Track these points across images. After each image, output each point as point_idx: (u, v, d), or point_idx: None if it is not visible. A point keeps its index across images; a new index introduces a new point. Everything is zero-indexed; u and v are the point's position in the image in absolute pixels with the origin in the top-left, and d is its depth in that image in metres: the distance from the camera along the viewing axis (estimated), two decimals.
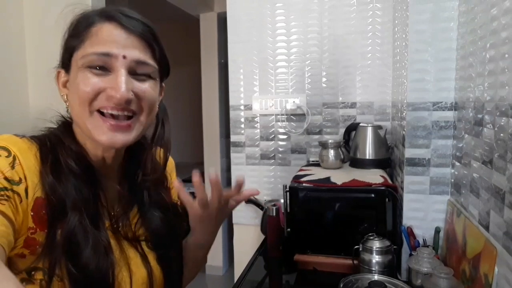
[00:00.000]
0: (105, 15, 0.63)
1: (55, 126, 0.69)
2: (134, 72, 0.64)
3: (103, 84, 0.61)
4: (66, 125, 0.70)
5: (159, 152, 0.79)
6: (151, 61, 0.65)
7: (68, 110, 0.68)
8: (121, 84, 0.61)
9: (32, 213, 0.58)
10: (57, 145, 0.65)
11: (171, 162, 0.85)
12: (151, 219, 0.75)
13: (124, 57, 0.62)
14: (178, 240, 0.81)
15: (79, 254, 0.60)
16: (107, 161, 0.70)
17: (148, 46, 0.65)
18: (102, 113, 0.63)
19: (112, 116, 0.63)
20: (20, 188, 0.57)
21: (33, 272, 0.59)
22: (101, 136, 0.63)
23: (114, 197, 0.72)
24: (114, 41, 0.61)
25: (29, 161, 0.60)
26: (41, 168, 0.61)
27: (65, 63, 0.66)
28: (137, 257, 0.71)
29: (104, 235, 0.66)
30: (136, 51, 0.63)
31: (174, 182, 0.72)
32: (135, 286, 0.68)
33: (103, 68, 0.61)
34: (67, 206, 0.61)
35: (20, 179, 0.57)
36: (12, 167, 0.57)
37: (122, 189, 0.73)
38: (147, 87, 0.65)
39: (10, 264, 0.58)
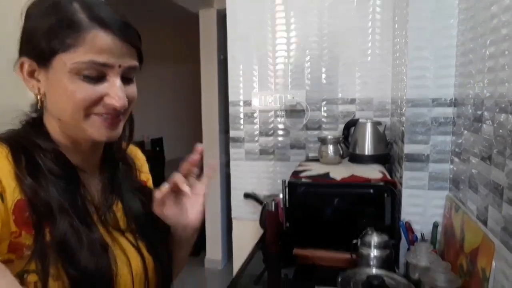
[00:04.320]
0: (99, 21, 0.60)
1: (18, 127, 0.67)
2: (123, 76, 0.65)
3: (99, 93, 0.62)
4: (34, 124, 0.67)
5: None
6: (136, 63, 0.67)
7: (40, 103, 0.65)
8: (120, 94, 0.63)
9: (13, 217, 0.56)
10: (29, 147, 0.63)
11: (142, 157, 0.87)
12: (133, 207, 0.75)
13: (120, 66, 0.62)
14: (159, 225, 0.79)
15: (76, 257, 0.60)
16: (88, 155, 0.71)
17: (136, 50, 0.66)
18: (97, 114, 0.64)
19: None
20: None
21: (25, 276, 0.57)
22: (100, 135, 0.65)
23: (96, 190, 0.72)
24: (111, 51, 0.61)
25: (1, 164, 0.58)
26: (16, 171, 0.59)
27: (40, 56, 0.62)
28: (130, 247, 0.71)
29: (97, 233, 0.65)
30: (129, 59, 0.64)
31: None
32: (134, 276, 0.68)
33: (98, 76, 0.61)
34: (54, 209, 0.60)
35: None
36: None
37: (104, 179, 0.73)
38: (134, 90, 0.68)
39: None
